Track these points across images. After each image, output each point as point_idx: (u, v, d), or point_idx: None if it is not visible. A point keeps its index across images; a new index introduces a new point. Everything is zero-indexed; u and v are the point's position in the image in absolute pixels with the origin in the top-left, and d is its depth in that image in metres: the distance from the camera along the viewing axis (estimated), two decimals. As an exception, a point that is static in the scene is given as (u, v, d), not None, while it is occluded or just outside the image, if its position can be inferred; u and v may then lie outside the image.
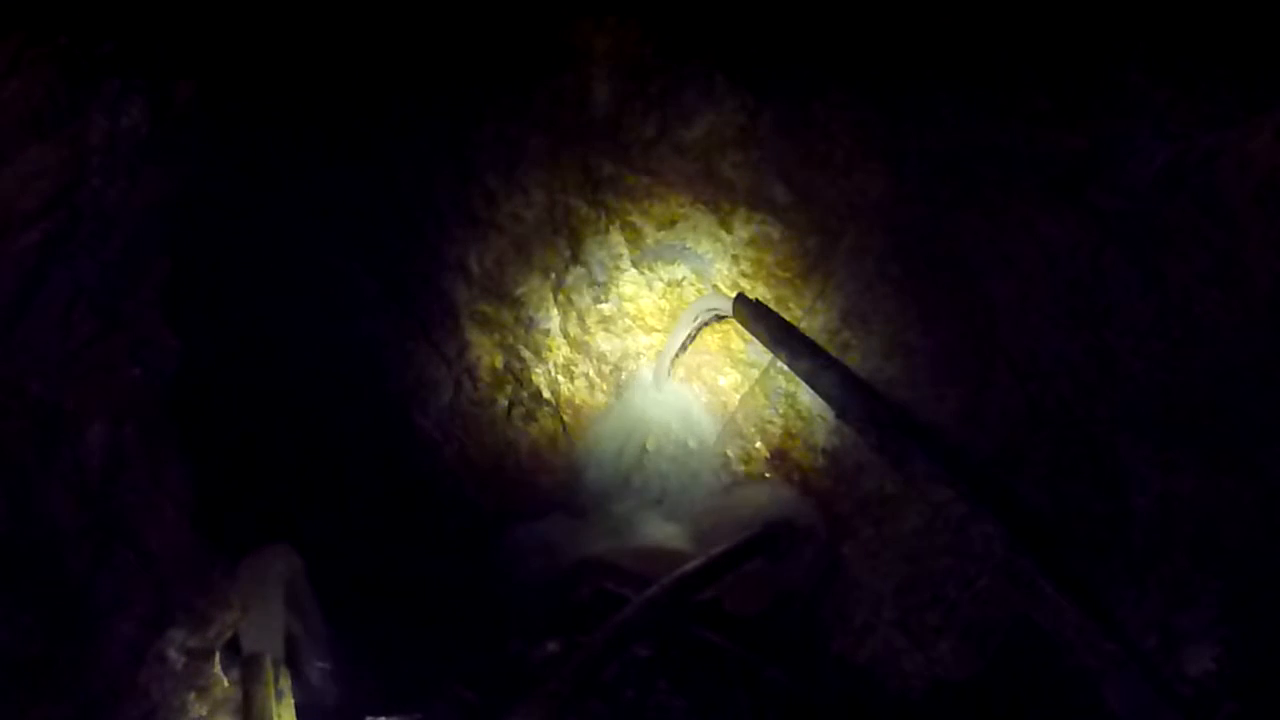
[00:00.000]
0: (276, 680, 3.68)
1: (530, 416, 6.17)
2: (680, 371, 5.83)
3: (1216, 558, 3.78)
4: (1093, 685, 3.83)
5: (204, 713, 3.29)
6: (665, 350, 5.78)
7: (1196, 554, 3.83)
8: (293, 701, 3.71)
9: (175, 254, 3.87)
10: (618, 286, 5.80)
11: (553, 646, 4.85)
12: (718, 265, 5.47)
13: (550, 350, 6.06)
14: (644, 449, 6.01)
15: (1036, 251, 4.08)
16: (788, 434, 5.38)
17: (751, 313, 5.12)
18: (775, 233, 5.22)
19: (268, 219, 5.77)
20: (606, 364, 5.98)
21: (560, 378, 6.08)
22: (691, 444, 5.87)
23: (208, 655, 3.41)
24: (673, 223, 5.51)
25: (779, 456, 5.45)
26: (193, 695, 3.28)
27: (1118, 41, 3.71)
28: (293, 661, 4.23)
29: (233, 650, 3.70)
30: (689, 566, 4.93)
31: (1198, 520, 3.82)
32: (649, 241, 5.62)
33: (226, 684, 3.43)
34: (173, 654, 3.27)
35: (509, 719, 4.07)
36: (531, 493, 6.18)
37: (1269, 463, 3.60)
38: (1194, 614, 3.79)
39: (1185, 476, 3.82)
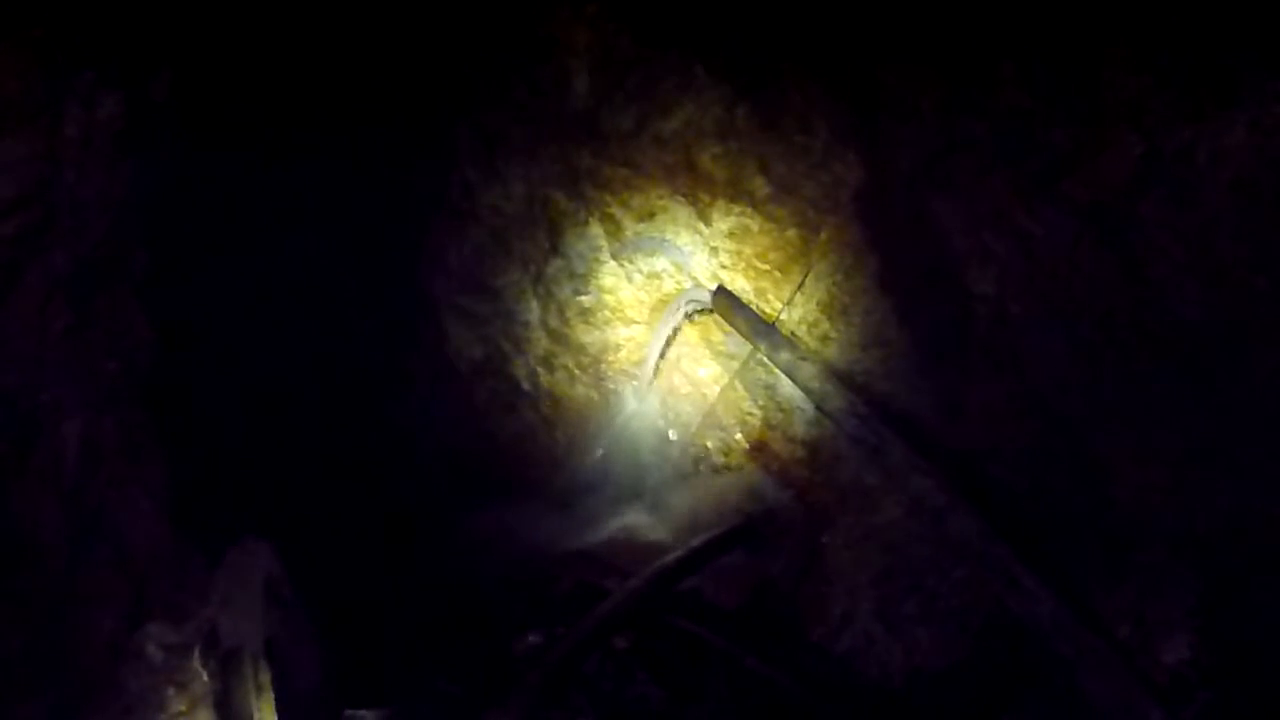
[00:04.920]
0: (256, 675, 3.66)
1: (510, 408, 6.17)
2: (662, 364, 5.84)
3: (1192, 548, 3.82)
4: (1069, 674, 3.87)
5: (183, 708, 3.27)
6: (651, 345, 5.78)
7: (1172, 544, 3.87)
8: (273, 696, 3.70)
9: (152, 247, 3.84)
10: (597, 278, 5.79)
11: (533, 638, 4.86)
12: (697, 257, 5.47)
13: (530, 342, 6.05)
14: (626, 442, 6.01)
15: (1014, 244, 4.10)
16: (767, 425, 5.39)
17: (731, 305, 5.13)
18: (754, 224, 5.22)
19: (245, 211, 5.73)
20: (586, 356, 5.97)
21: (540, 369, 6.07)
22: (672, 435, 5.88)
23: (187, 650, 3.39)
24: (652, 215, 5.50)
25: (758, 448, 5.46)
26: (172, 690, 3.26)
27: (1095, 36, 3.73)
28: (273, 656, 4.21)
29: (212, 645, 3.68)
30: (669, 558, 4.95)
31: (1174, 511, 3.86)
32: (628, 233, 5.61)
33: (205, 679, 3.41)
34: (151, 649, 3.25)
35: (490, 714, 4.07)
36: (512, 485, 6.18)
37: (1244, 455, 3.64)
38: (1169, 603, 3.84)
39: (1161, 468, 3.86)
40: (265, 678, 3.69)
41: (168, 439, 4.06)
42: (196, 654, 3.46)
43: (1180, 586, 3.83)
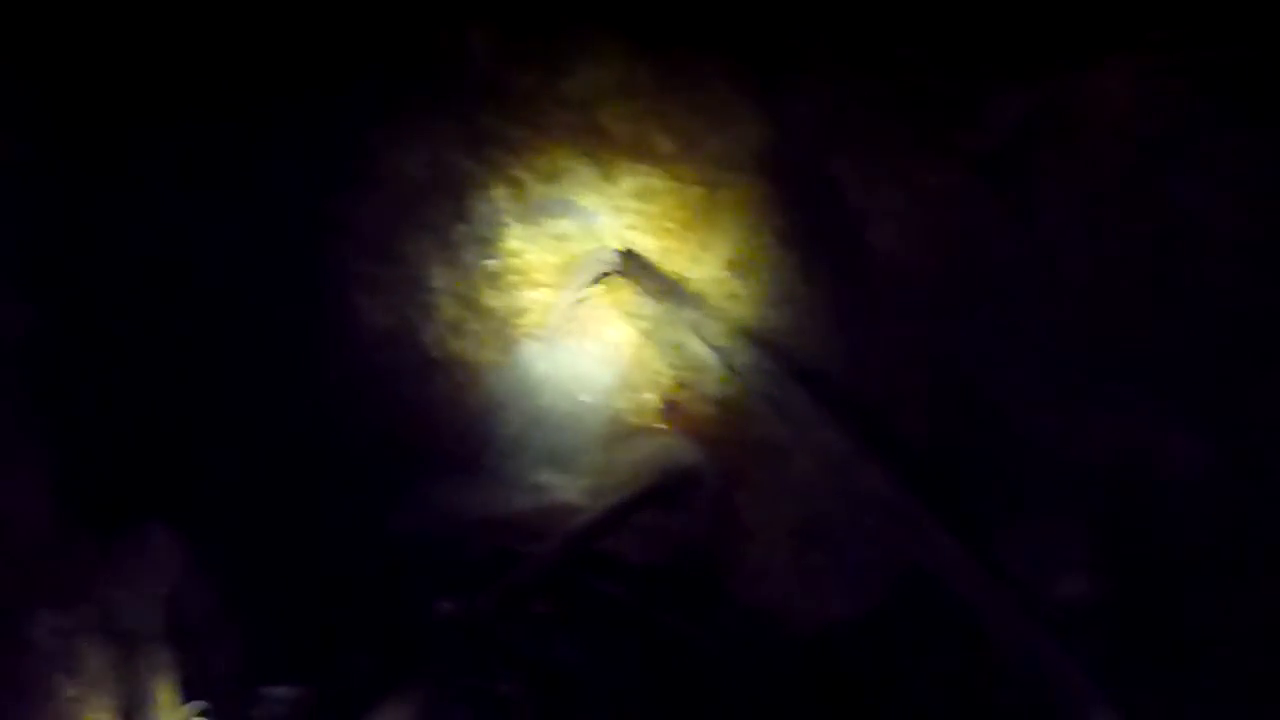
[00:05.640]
0: (155, 658, 3.57)
1: (420, 377, 6.05)
2: (571, 327, 5.79)
3: (1084, 486, 3.95)
4: (971, 616, 3.97)
5: (75, 694, 3.18)
6: (560, 307, 5.73)
7: (1065, 484, 3.99)
8: (174, 678, 3.61)
9: (34, 217, 3.69)
10: (504, 242, 5.69)
11: (448, 607, 4.82)
12: (603, 218, 5.41)
13: (438, 309, 5.93)
14: (538, 406, 5.97)
15: (910, 196, 4.16)
16: (679, 385, 5.39)
17: (636, 265, 5.11)
18: (659, 184, 5.19)
19: (136, 179, 5.52)
20: (495, 320, 5.87)
21: (449, 337, 5.96)
22: (585, 399, 5.84)
23: (78, 635, 3.29)
24: (556, 176, 5.42)
25: (672, 407, 5.46)
26: (63, 676, 3.16)
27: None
28: (178, 636, 4.12)
29: (108, 629, 3.57)
30: (583, 520, 4.95)
31: (1065, 451, 3.98)
32: (533, 196, 5.53)
33: (100, 663, 3.32)
34: (39, 634, 3.14)
35: (406, 684, 4.05)
36: (426, 454, 6.09)
37: (1129, 395, 3.76)
38: (1065, 541, 3.97)
39: (1051, 410, 3.97)
40: (165, 660, 3.60)
41: (57, 418, 3.92)
42: (90, 638, 3.36)
43: (1074, 524, 3.95)
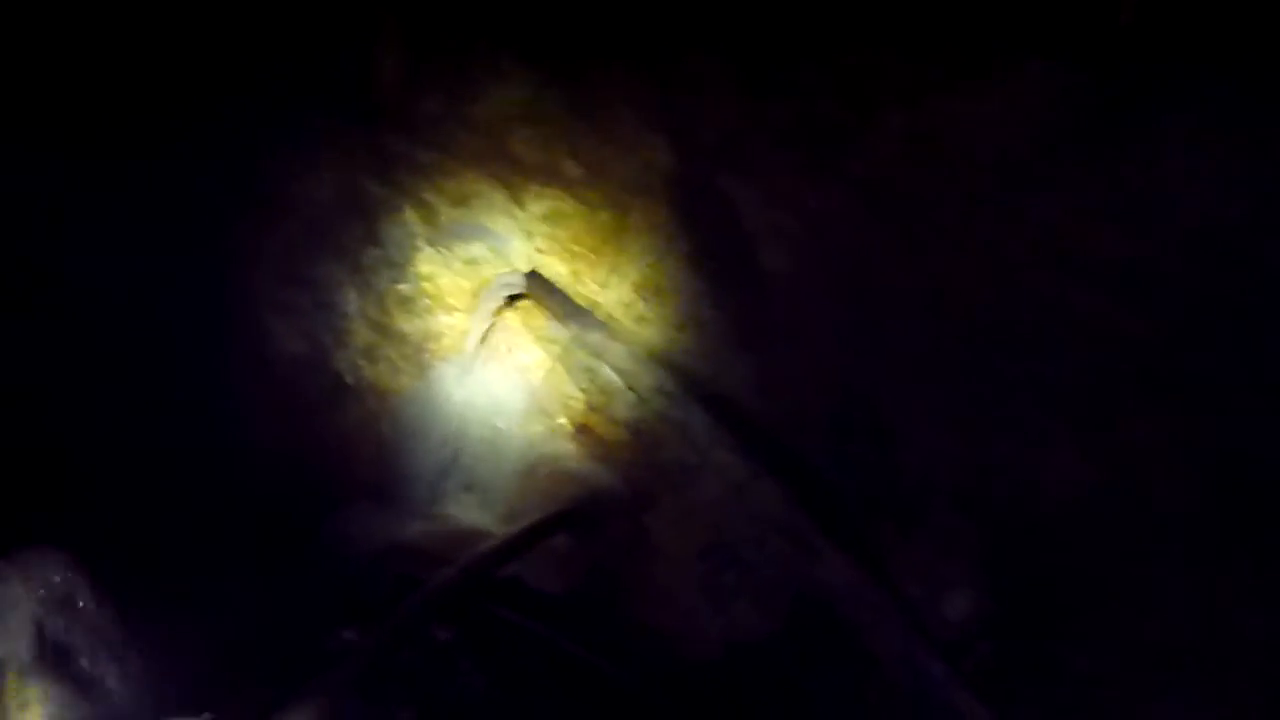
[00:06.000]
0: (21, 691, 3.47)
1: (333, 404, 6.01)
2: (484, 351, 5.77)
3: (977, 508, 3.98)
4: (860, 636, 3.99)
5: (-69, 731, 3.08)
6: (472, 332, 5.71)
7: (960, 505, 4.03)
8: (42, 712, 3.51)
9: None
10: (415, 266, 5.68)
11: (349, 635, 4.74)
12: (514, 242, 5.42)
13: (351, 334, 5.90)
14: (451, 431, 5.93)
15: (802, 220, 4.20)
16: (590, 409, 5.38)
17: (543, 289, 5.12)
18: (568, 208, 5.20)
19: (39, 209, 5.45)
20: (408, 346, 5.86)
21: (362, 362, 5.93)
22: (498, 424, 5.82)
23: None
24: (466, 200, 5.43)
25: (583, 431, 5.45)
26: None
27: (872, 18, 3.82)
28: (65, 670, 4.01)
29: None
30: (485, 546, 4.90)
31: (960, 473, 4.01)
32: (443, 220, 5.53)
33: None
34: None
35: (294, 707, 3.96)
36: (338, 482, 6.03)
37: (1017, 417, 3.80)
38: (957, 561, 4.00)
39: (947, 433, 4.01)
40: (33, 694, 3.49)
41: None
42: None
43: (967, 545, 3.99)
